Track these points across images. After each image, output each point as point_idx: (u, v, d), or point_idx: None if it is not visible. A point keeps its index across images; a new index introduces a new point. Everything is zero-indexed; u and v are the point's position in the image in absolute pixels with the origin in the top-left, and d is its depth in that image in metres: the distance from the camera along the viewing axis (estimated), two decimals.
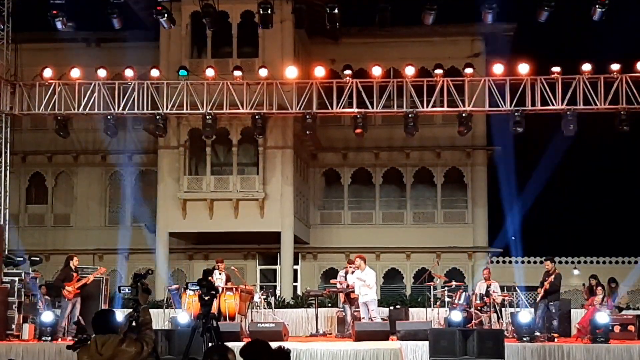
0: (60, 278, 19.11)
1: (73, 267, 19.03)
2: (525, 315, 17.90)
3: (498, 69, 22.94)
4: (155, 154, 31.27)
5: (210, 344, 9.44)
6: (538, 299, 19.00)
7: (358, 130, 23.70)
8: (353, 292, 19.19)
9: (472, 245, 33.92)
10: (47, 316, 18.34)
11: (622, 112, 22.45)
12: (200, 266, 30.07)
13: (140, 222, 33.52)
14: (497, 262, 33.56)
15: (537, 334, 17.71)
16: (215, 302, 11.39)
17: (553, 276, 18.92)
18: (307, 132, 24.68)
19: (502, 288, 20.35)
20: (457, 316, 18.11)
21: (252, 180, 30.10)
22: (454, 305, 19.43)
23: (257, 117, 23.82)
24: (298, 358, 15.77)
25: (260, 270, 33.85)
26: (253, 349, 6.08)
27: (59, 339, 18.13)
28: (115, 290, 22.66)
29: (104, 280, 20.01)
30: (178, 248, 32.66)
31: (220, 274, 19.65)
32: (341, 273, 20.48)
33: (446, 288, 20.55)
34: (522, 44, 31.56)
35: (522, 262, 34.14)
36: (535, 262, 33.55)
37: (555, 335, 18.17)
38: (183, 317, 18.21)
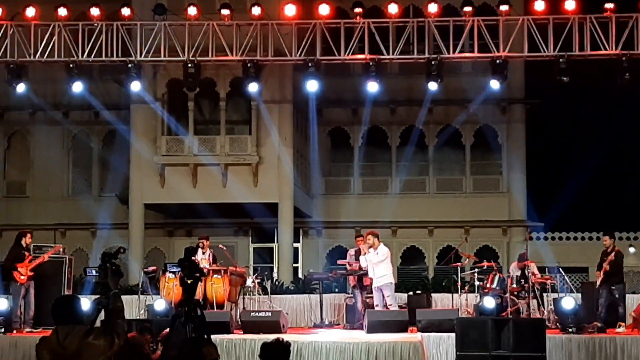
0: (10, 258, 19.12)
1: (24, 246, 19.08)
2: (570, 302, 17.93)
3: (539, 5, 22.82)
4: (127, 109, 31.23)
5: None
6: (598, 284, 18.98)
7: (371, 81, 23.65)
8: (365, 274, 19.24)
9: (508, 219, 33.96)
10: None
11: None
12: (181, 244, 30.16)
13: (109, 192, 33.58)
14: (538, 238, 33.62)
15: (598, 324, 17.80)
16: (199, 287, 11.36)
17: (613, 254, 18.91)
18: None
19: (542, 270, 20.36)
20: (489, 303, 18.14)
21: (244, 142, 30.10)
22: (486, 290, 19.49)
23: (249, 64, 23.72)
24: (299, 353, 15.76)
25: (254, 248, 33.98)
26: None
27: (14, 331, 18.19)
28: (81, 273, 23.06)
29: (67, 261, 20.00)
30: (155, 223, 32.74)
31: (204, 253, 19.71)
32: (351, 252, 20.55)
33: (476, 270, 20.61)
34: None
35: (568, 238, 34.22)
36: (583, 239, 33.62)
37: (622, 324, 18.24)
38: (160, 304, 18.31)
